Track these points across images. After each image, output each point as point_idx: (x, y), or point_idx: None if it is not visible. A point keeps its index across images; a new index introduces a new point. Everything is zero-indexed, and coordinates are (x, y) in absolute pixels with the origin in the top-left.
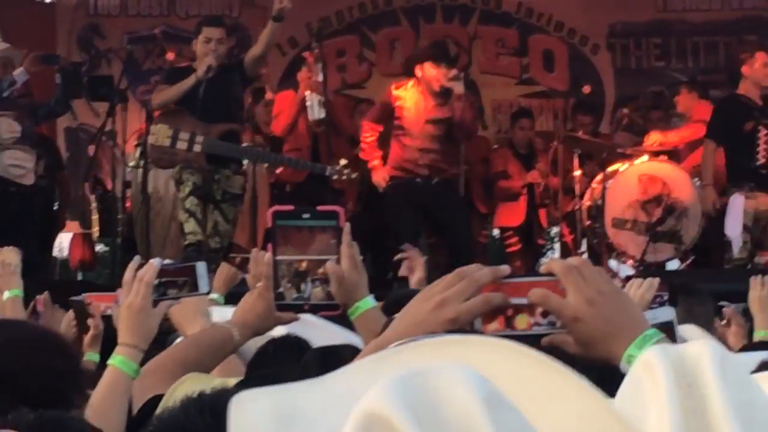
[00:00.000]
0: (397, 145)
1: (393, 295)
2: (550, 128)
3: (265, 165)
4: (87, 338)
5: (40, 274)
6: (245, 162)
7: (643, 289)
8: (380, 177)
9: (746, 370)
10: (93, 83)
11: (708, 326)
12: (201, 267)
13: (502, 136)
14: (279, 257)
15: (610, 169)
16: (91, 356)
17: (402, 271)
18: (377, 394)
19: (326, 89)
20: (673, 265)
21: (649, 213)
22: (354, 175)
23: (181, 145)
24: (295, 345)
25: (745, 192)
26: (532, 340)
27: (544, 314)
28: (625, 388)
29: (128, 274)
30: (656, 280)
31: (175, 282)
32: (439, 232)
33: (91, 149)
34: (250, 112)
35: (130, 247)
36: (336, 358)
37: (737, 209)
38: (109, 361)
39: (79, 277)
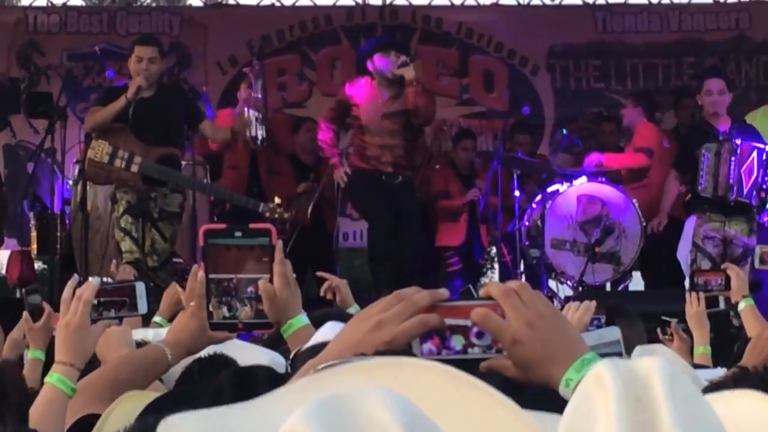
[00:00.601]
0: (359, 143)
1: (314, 314)
2: (490, 148)
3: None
4: (32, 333)
5: None
6: None
7: (581, 312)
8: (339, 174)
9: (696, 386)
10: (32, 100)
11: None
12: (140, 287)
13: (441, 156)
14: (211, 276)
15: (550, 189)
16: (33, 353)
17: (324, 292)
18: (297, 417)
19: (266, 107)
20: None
21: (588, 233)
22: (287, 215)
23: (119, 163)
24: (221, 364)
25: (699, 214)
26: (467, 363)
27: (479, 335)
28: (575, 402)
29: (67, 292)
30: (593, 303)
31: (114, 302)
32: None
33: (30, 166)
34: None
35: (68, 264)
36: (250, 378)
37: (687, 232)
38: (46, 379)
39: (17, 294)
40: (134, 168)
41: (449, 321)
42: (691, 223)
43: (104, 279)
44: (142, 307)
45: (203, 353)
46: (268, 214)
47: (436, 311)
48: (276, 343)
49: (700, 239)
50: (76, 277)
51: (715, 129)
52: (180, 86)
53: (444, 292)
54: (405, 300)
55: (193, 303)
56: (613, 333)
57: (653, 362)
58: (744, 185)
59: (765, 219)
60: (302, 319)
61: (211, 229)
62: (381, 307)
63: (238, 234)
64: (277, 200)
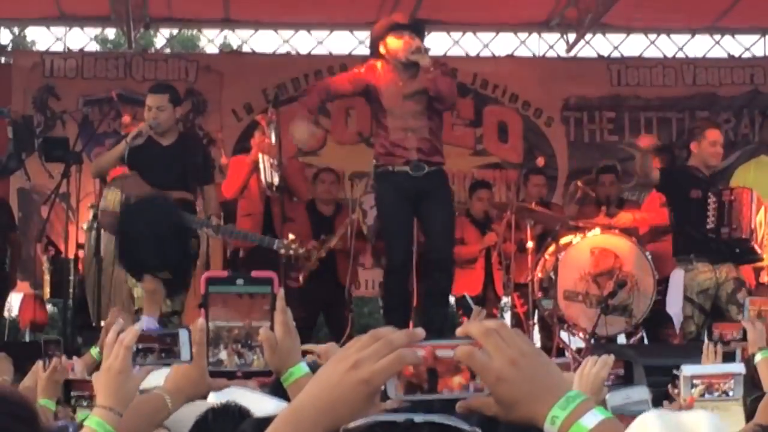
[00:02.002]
0: (382, 131)
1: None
2: (504, 199)
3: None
4: (42, 382)
5: None
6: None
7: (598, 366)
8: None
9: None
10: (48, 144)
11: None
12: (184, 334)
13: (456, 206)
14: (212, 323)
15: (563, 241)
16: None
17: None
18: None
19: (281, 153)
20: (621, 339)
21: (601, 286)
22: (302, 251)
23: None
24: (235, 413)
25: (685, 266)
26: (445, 402)
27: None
28: None
29: (110, 336)
30: (611, 358)
31: (156, 348)
32: (423, 231)
33: (44, 210)
34: None
35: (80, 309)
36: None
37: (677, 286)
38: (86, 422)
39: (27, 337)
40: None
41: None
42: (678, 277)
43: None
44: (185, 354)
45: (216, 402)
46: (283, 251)
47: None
48: (275, 392)
49: (694, 294)
50: (120, 321)
51: (702, 173)
52: (201, 141)
53: (420, 331)
54: (382, 339)
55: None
56: (642, 392)
57: (702, 414)
58: (756, 235)
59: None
60: (302, 367)
61: (213, 277)
62: (358, 346)
63: (239, 282)
64: (291, 236)
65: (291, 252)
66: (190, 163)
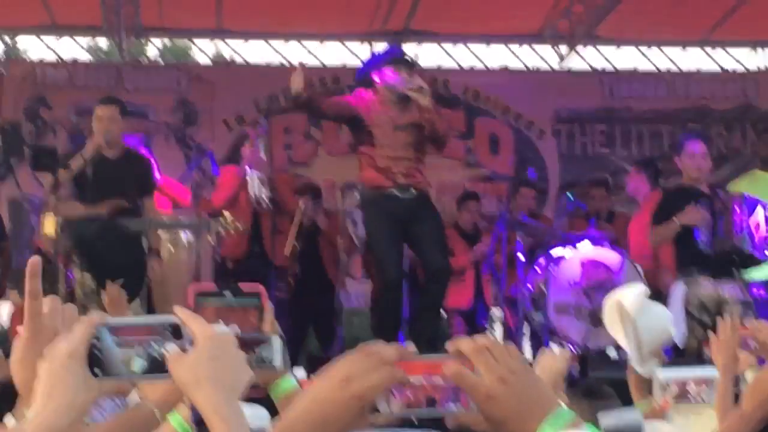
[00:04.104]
0: (368, 160)
1: None
2: (494, 211)
3: (210, 240)
4: None
5: None
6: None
7: (558, 361)
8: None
9: None
10: (37, 153)
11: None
12: (276, 341)
13: (446, 218)
14: None
15: (554, 253)
16: None
17: None
18: None
19: (271, 166)
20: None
21: (592, 298)
22: (240, 226)
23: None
24: None
25: (686, 280)
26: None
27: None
28: None
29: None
30: (566, 351)
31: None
32: (416, 253)
33: (34, 219)
34: (195, 187)
35: None
36: None
37: (677, 301)
38: (169, 417)
39: None
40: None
41: (416, 377)
42: (679, 291)
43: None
44: (278, 362)
45: None
46: (220, 228)
47: (404, 366)
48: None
49: (695, 308)
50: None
51: (699, 190)
52: (142, 156)
53: (411, 347)
54: (372, 355)
55: None
56: (635, 413)
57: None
58: (754, 238)
59: (754, 291)
60: (290, 380)
61: (202, 290)
62: (348, 361)
63: (227, 294)
64: (228, 215)
65: (229, 228)
66: (134, 176)
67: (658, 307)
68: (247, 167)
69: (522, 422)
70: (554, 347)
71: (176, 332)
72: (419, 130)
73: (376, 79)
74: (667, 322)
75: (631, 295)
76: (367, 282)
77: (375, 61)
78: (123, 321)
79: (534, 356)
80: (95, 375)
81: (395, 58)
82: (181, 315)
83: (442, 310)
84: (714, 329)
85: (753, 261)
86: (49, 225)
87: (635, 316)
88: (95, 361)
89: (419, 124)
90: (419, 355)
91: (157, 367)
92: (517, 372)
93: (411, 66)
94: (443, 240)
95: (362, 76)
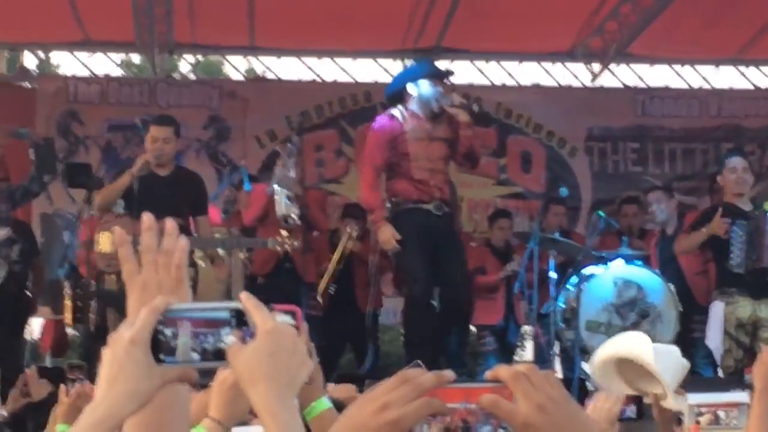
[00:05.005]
0: (402, 171)
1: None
2: (526, 229)
3: (241, 256)
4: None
5: (10, 358)
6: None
7: (611, 402)
8: (387, 235)
9: None
10: (71, 170)
11: None
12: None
13: (478, 236)
14: None
15: (586, 271)
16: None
17: None
18: None
19: (303, 184)
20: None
21: (624, 317)
22: (296, 243)
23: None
24: None
25: (726, 299)
26: None
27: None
28: None
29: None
30: (623, 394)
31: None
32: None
33: (66, 235)
34: (227, 203)
35: (102, 334)
36: None
37: (716, 319)
38: (192, 429)
39: (48, 362)
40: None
41: (454, 404)
42: (718, 309)
43: None
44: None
45: None
46: (278, 247)
47: (442, 393)
48: None
49: (732, 327)
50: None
51: (740, 209)
52: (194, 174)
53: (450, 374)
54: (410, 381)
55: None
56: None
57: None
58: None
59: None
60: (324, 402)
61: None
62: (385, 388)
63: None
64: (284, 233)
65: (286, 246)
66: (185, 194)
67: (665, 347)
68: (275, 186)
69: None
70: (586, 367)
71: (240, 320)
72: (451, 145)
73: (412, 92)
74: (678, 355)
75: (637, 344)
76: (399, 299)
77: (411, 73)
78: (189, 306)
79: (564, 374)
80: (161, 361)
81: (432, 71)
82: (247, 303)
83: (473, 327)
84: (750, 349)
85: None
86: (105, 241)
87: (653, 362)
88: (161, 346)
89: (451, 140)
90: (458, 382)
91: (218, 356)
92: (556, 400)
93: (448, 79)
94: (466, 272)
95: (395, 88)
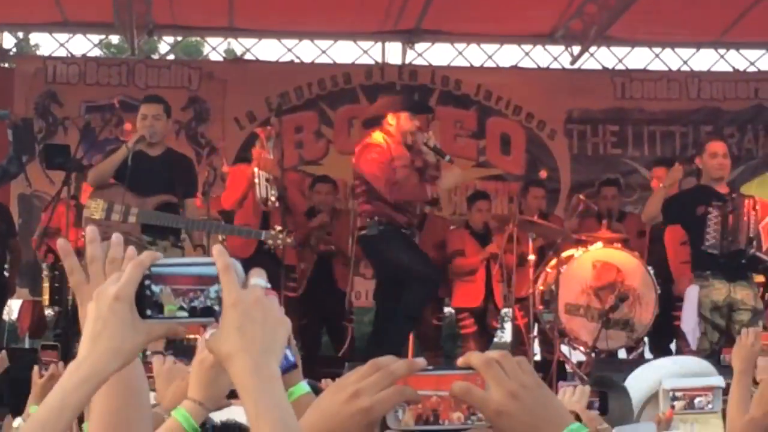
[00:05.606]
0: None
1: None
2: (505, 211)
3: (220, 237)
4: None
5: None
6: (183, 234)
7: (577, 396)
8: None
9: None
10: (49, 151)
11: (623, 420)
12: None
13: (457, 218)
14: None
15: (565, 254)
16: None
17: None
18: None
19: (281, 167)
20: (622, 354)
21: (603, 300)
22: (289, 240)
23: (116, 217)
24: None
25: (700, 282)
26: None
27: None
28: None
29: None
30: (587, 388)
31: None
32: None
33: (45, 217)
34: (205, 185)
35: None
36: None
37: (692, 302)
38: (173, 413)
39: (27, 343)
40: (132, 219)
41: (426, 391)
42: (693, 292)
43: None
44: (291, 356)
45: (217, 420)
46: (271, 241)
47: (414, 380)
48: None
49: (707, 311)
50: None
51: (716, 191)
52: (186, 156)
53: (421, 361)
54: (382, 369)
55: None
56: (649, 429)
57: None
58: (763, 241)
59: None
60: (303, 386)
61: None
62: (358, 376)
63: None
64: (278, 227)
65: (279, 242)
66: (173, 176)
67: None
68: (255, 168)
69: None
70: (565, 349)
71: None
72: (422, 175)
73: (392, 121)
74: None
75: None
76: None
77: (392, 104)
78: (177, 261)
79: (543, 356)
80: (147, 317)
81: (413, 104)
82: (219, 269)
83: (452, 309)
84: (725, 331)
85: (757, 264)
86: (96, 208)
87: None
88: (147, 302)
89: (421, 169)
90: (430, 369)
91: (207, 312)
92: (529, 387)
93: (425, 108)
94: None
95: (374, 115)
